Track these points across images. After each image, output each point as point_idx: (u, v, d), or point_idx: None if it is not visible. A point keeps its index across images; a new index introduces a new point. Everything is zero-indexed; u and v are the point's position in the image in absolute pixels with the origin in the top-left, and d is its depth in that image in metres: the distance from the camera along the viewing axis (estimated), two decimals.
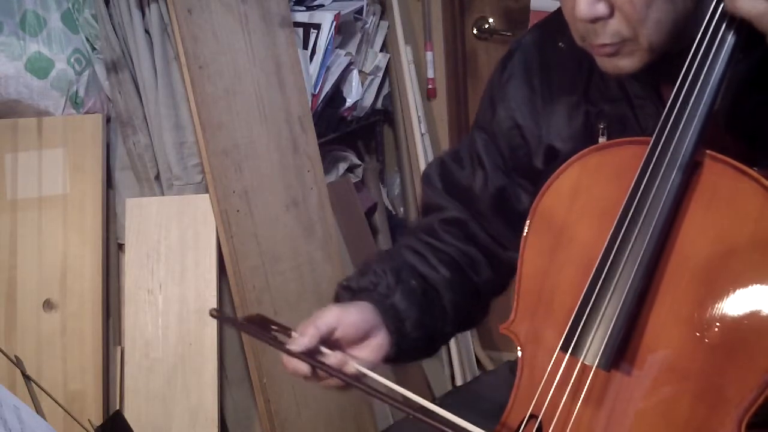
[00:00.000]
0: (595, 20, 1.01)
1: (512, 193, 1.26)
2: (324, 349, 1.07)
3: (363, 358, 1.10)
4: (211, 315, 1.08)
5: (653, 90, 1.11)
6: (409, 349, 1.18)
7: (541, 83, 1.22)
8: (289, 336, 1.08)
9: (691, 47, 0.98)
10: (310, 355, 1.06)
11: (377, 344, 1.13)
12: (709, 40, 0.97)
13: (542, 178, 1.15)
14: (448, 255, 1.26)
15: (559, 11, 1.12)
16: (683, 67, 0.98)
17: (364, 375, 1.07)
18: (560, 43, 1.18)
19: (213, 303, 1.94)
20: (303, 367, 1.06)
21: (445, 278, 1.24)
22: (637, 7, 0.98)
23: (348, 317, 1.10)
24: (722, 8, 0.95)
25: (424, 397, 1.01)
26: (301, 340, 1.06)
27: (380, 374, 1.07)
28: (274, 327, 1.11)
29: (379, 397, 1.01)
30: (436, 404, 1.00)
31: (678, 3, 0.99)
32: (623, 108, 1.14)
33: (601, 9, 1.00)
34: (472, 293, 1.27)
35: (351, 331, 1.10)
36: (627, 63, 1.04)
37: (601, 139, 1.14)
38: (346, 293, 1.21)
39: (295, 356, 1.05)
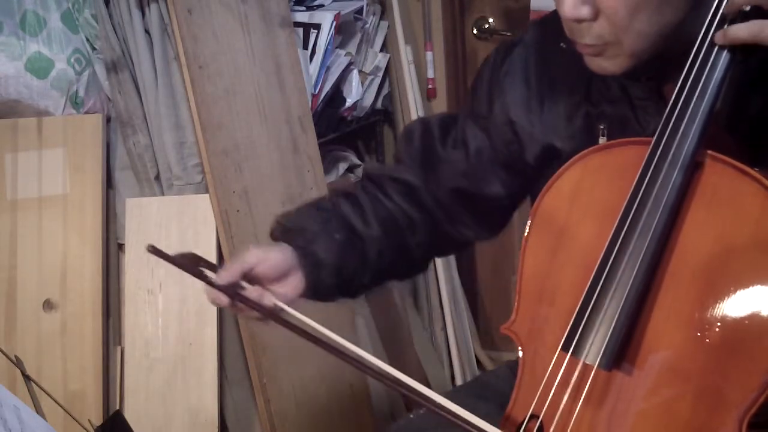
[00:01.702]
0: (580, 21, 1.02)
1: (488, 182, 1.28)
2: (245, 284, 1.18)
3: (279, 292, 1.20)
4: (148, 250, 1.17)
5: (655, 91, 1.11)
6: (324, 292, 1.27)
7: (538, 82, 1.22)
8: (215, 272, 1.19)
9: (692, 49, 0.98)
10: (232, 288, 1.17)
11: (294, 283, 1.21)
12: (709, 42, 0.97)
13: (535, 176, 1.16)
14: (388, 211, 1.31)
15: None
16: (684, 68, 0.98)
17: (282, 309, 1.18)
18: (562, 44, 1.19)
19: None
20: (223, 298, 1.16)
21: (374, 234, 1.28)
22: (620, 15, 0.99)
23: (268, 257, 1.20)
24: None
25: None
26: (223, 274, 1.17)
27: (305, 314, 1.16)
28: (203, 264, 1.21)
29: (295, 330, 1.10)
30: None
31: (667, 14, 1.00)
32: (624, 109, 1.14)
33: (585, 12, 1.01)
34: (403, 252, 1.32)
35: (270, 270, 1.19)
36: (610, 65, 1.06)
37: (602, 140, 1.14)
38: (278, 228, 1.29)
39: (217, 288, 1.16)
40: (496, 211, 1.32)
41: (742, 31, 0.94)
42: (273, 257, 1.21)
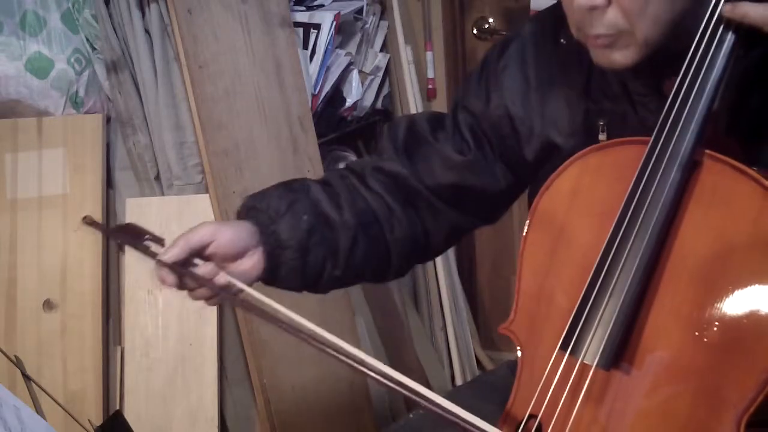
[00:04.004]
0: (592, 9, 1.00)
1: (485, 176, 1.25)
2: (196, 261, 1.10)
3: (234, 271, 1.12)
4: (84, 222, 1.11)
5: (655, 87, 1.11)
6: (286, 277, 1.19)
7: (536, 76, 1.22)
8: (162, 246, 1.11)
9: (692, 45, 0.98)
10: (180, 265, 1.08)
11: (251, 263, 1.15)
12: (708, 39, 0.97)
13: (533, 171, 1.16)
14: (366, 201, 1.25)
15: (558, 5, 1.12)
16: (684, 65, 0.98)
17: (236, 288, 1.09)
18: (561, 39, 1.18)
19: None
20: (170, 278, 1.09)
21: (347, 222, 1.22)
22: None
23: (223, 234, 1.12)
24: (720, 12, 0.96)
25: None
26: (171, 251, 1.09)
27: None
28: (147, 236, 1.13)
29: (252, 310, 1.03)
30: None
31: (677, 1, 0.99)
32: (624, 105, 1.14)
33: None
34: (379, 245, 1.26)
35: (225, 248, 1.12)
36: (620, 56, 1.03)
37: (602, 136, 1.14)
38: (243, 206, 1.23)
39: (163, 266, 1.08)
40: (495, 201, 1.30)
41: (752, 11, 0.93)
42: (228, 233, 1.13)
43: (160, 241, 1.13)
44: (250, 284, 1.13)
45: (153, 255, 1.10)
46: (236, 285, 1.10)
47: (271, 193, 1.23)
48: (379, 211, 1.26)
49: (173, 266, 1.09)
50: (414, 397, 0.94)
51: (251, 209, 1.21)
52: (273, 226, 1.18)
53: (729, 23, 0.96)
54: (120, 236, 1.14)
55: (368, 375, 0.96)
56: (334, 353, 0.97)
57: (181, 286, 1.10)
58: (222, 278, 1.10)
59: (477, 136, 1.26)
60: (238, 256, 1.14)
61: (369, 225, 1.25)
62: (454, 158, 1.26)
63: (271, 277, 1.18)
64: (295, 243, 1.18)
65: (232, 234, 1.14)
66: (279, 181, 1.27)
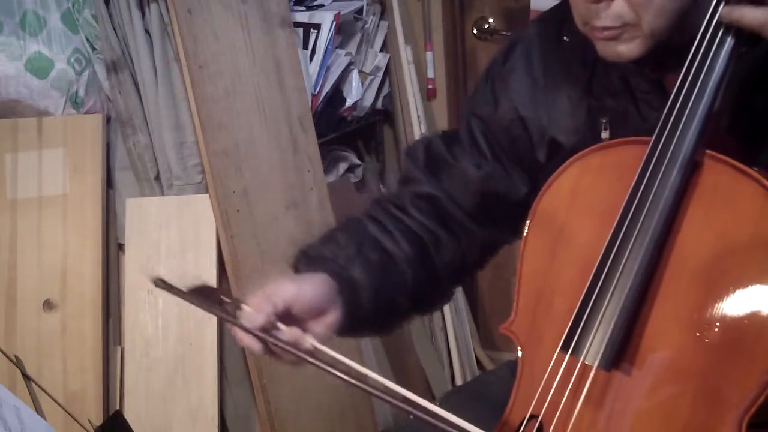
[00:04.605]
0: (599, 1, 1.00)
1: (506, 184, 1.24)
2: (279, 325, 1.04)
3: (316, 331, 1.07)
4: (155, 284, 1.03)
5: (658, 84, 1.10)
6: (363, 323, 1.16)
7: (543, 75, 1.21)
8: (240, 308, 1.05)
9: (694, 42, 0.98)
10: (265, 331, 1.02)
11: (332, 318, 1.09)
12: (709, 38, 0.97)
13: (545, 172, 1.15)
14: (413, 231, 1.24)
15: (560, 5, 1.11)
16: (686, 61, 0.98)
17: (319, 350, 1.04)
18: (564, 37, 1.18)
19: None
20: (257, 345, 1.03)
21: (407, 254, 1.21)
22: None
23: (305, 291, 1.07)
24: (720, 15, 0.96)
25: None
26: (256, 317, 1.03)
27: (339, 353, 1.04)
28: (224, 299, 1.07)
29: (335, 374, 0.99)
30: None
31: None
32: (626, 102, 1.13)
33: None
34: (432, 273, 1.24)
35: (307, 306, 1.07)
36: (626, 49, 1.03)
37: (604, 134, 1.14)
38: (303, 259, 1.19)
39: (248, 332, 1.03)
40: (520, 210, 1.23)
41: (749, 14, 0.93)
42: (309, 290, 1.08)
43: (238, 303, 1.05)
44: (331, 339, 1.08)
45: (233, 318, 1.03)
46: (319, 348, 1.04)
47: (334, 239, 1.20)
48: (427, 239, 1.24)
49: (258, 332, 1.02)
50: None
51: (319, 260, 1.17)
52: (347, 272, 1.14)
53: (729, 24, 0.96)
54: (194, 299, 1.05)
55: (438, 426, 0.94)
56: (407, 407, 0.96)
57: (267, 351, 1.04)
58: (307, 343, 1.04)
59: (491, 143, 1.25)
60: (321, 311, 1.09)
61: (423, 254, 1.23)
62: (474, 172, 1.24)
63: (348, 326, 1.13)
64: (371, 285, 1.15)
65: (313, 290, 1.08)
66: (328, 230, 1.24)
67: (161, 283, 1.03)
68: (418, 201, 1.25)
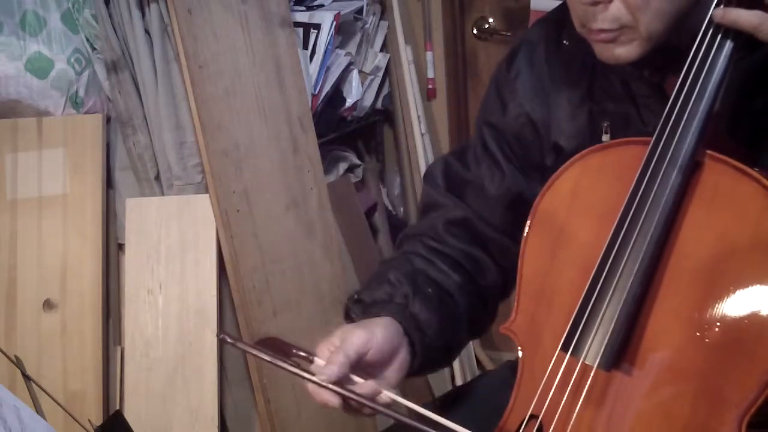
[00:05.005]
0: (596, 3, 1.00)
1: (527, 188, 1.23)
2: (353, 377, 1.00)
3: (389, 378, 1.05)
4: (222, 341, 0.98)
5: (658, 88, 1.10)
6: (430, 360, 1.13)
7: (547, 78, 1.21)
8: (311, 361, 1.01)
9: (694, 42, 0.98)
10: (339, 384, 0.98)
11: (401, 362, 1.08)
12: (709, 40, 0.97)
13: (549, 176, 1.15)
14: (455, 259, 1.23)
15: (560, 8, 1.11)
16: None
17: (396, 402, 1.00)
18: (564, 41, 1.18)
19: (213, 303, 1.94)
20: (334, 400, 0.99)
21: (458, 283, 1.20)
22: None
23: (376, 340, 1.04)
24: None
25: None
26: (330, 370, 0.98)
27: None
28: (294, 351, 1.03)
29: (410, 423, 0.94)
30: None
31: None
32: (627, 106, 1.13)
33: None
34: (481, 297, 1.24)
35: (379, 354, 1.04)
36: (624, 52, 1.03)
37: (605, 138, 1.14)
38: (357, 307, 1.16)
39: (325, 387, 0.98)
40: None
41: (742, 17, 0.93)
42: (379, 336, 1.04)
43: (309, 355, 1.02)
44: (401, 384, 1.06)
45: (306, 374, 0.99)
46: (396, 399, 1.00)
47: (387, 279, 1.17)
48: (467, 264, 1.23)
49: (334, 387, 0.98)
50: None
51: (375, 304, 1.14)
52: (408, 309, 1.12)
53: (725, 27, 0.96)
54: (263, 352, 1.00)
55: None
56: None
57: (345, 407, 1.01)
58: (385, 396, 1.00)
59: (504, 150, 1.24)
60: (391, 357, 1.07)
61: (470, 281, 1.22)
62: (492, 182, 1.24)
63: (418, 367, 1.11)
64: (434, 319, 1.13)
65: (382, 338, 1.05)
66: (378, 267, 1.22)
67: (228, 339, 1.00)
68: (451, 227, 1.24)
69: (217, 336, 1.00)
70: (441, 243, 1.24)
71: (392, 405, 0.99)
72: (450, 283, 1.20)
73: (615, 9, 1.00)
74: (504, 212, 1.24)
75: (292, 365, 1.00)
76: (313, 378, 0.98)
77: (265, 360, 0.99)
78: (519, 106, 1.22)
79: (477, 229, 1.25)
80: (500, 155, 1.24)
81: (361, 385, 1.00)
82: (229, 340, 1.01)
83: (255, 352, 0.99)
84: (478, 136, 1.28)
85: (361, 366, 1.03)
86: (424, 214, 1.29)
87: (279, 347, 1.03)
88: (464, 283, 1.21)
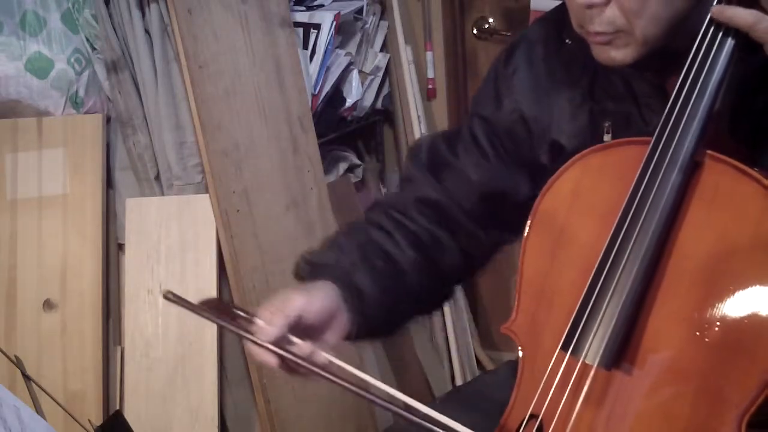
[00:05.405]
0: (591, 6, 1.01)
1: (511, 185, 1.24)
2: (292, 338, 1.04)
3: (327, 341, 1.08)
4: (166, 298, 1.02)
5: (659, 87, 1.10)
6: (369, 329, 1.15)
7: (545, 76, 1.21)
8: (253, 323, 1.04)
9: (695, 44, 0.98)
10: (278, 344, 1.02)
11: (340, 326, 1.10)
12: (709, 40, 0.97)
13: (547, 174, 1.15)
14: (416, 235, 1.23)
15: (560, 7, 1.12)
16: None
17: (333, 364, 1.04)
18: (567, 40, 1.18)
19: None
20: (272, 359, 1.03)
21: (413, 259, 1.21)
22: None
23: (314, 304, 1.07)
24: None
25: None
26: (269, 330, 1.02)
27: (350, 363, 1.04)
28: (237, 312, 1.07)
29: (346, 387, 0.98)
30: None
31: (677, 0, 0.99)
32: (628, 106, 1.13)
33: None
34: (436, 275, 1.24)
35: (318, 316, 1.07)
36: (620, 54, 1.04)
37: (606, 137, 1.14)
38: (306, 266, 1.18)
39: (263, 347, 1.02)
40: (522, 211, 1.23)
41: (739, 15, 0.94)
42: (318, 299, 1.07)
43: (250, 317, 1.05)
44: (340, 347, 1.08)
45: (246, 333, 1.03)
46: (333, 361, 1.03)
47: (338, 245, 1.20)
48: (428, 242, 1.23)
49: (272, 346, 1.02)
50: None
51: (322, 267, 1.16)
52: (351, 277, 1.14)
53: (727, 27, 0.96)
54: (206, 313, 1.04)
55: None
56: (417, 419, 0.95)
57: (283, 366, 1.04)
58: (323, 357, 1.03)
59: (494, 144, 1.24)
60: (330, 321, 1.09)
61: (426, 258, 1.22)
62: (475, 172, 1.25)
63: (356, 332, 1.13)
64: (376, 291, 1.14)
65: (321, 299, 1.08)
66: (331, 236, 1.24)
67: (172, 297, 1.03)
68: (421, 205, 1.25)
69: (163, 294, 1.04)
70: (407, 218, 1.24)
71: (329, 366, 1.02)
72: (404, 259, 1.20)
73: (610, 13, 1.01)
74: (479, 202, 1.24)
75: (233, 325, 1.04)
76: (253, 337, 1.02)
77: (209, 319, 1.03)
78: (514, 102, 1.22)
79: (448, 214, 1.25)
80: (489, 148, 1.25)
81: (299, 346, 1.03)
82: (173, 298, 1.04)
83: (199, 311, 1.03)
84: (468, 126, 1.28)
85: (300, 329, 1.05)
86: (400, 187, 1.31)
87: (222, 308, 1.07)
88: (420, 260, 1.21)
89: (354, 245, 1.19)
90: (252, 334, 1.03)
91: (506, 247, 1.31)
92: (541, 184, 1.21)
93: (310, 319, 1.06)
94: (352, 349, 2.12)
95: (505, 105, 1.23)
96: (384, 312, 1.16)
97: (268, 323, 1.02)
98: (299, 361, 1.02)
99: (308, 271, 1.18)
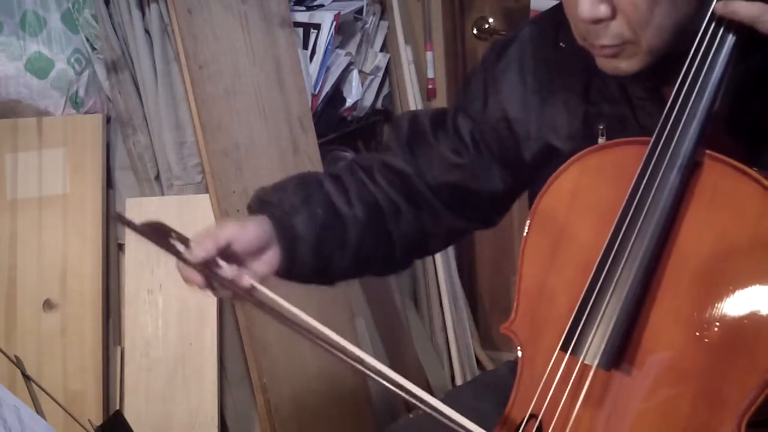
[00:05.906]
0: (597, 22, 1.01)
1: (484, 176, 1.26)
2: (220, 262, 1.12)
3: (256, 270, 1.15)
4: (117, 219, 1.14)
5: (655, 90, 1.11)
6: (300, 271, 1.21)
7: (534, 80, 1.22)
8: (187, 246, 1.12)
9: (692, 47, 0.98)
10: (206, 266, 1.10)
11: (270, 259, 1.17)
12: (708, 40, 0.97)
13: (540, 175, 1.15)
14: (373, 197, 1.26)
15: (557, 7, 1.12)
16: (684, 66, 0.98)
17: (257, 290, 1.12)
18: (561, 43, 1.18)
19: (213, 303, 1.94)
20: (198, 278, 1.11)
21: (357, 216, 1.24)
22: (640, 10, 0.98)
23: (245, 233, 1.14)
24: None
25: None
26: (198, 252, 1.10)
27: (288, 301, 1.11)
28: (173, 235, 1.14)
29: (269, 312, 1.07)
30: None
31: (681, 7, 0.99)
32: (623, 108, 1.14)
33: (603, 10, 1.00)
34: (385, 240, 1.27)
35: (247, 246, 1.14)
36: (626, 65, 1.04)
37: (601, 140, 1.14)
38: (255, 201, 1.24)
39: (191, 266, 1.10)
40: (494, 204, 1.30)
41: (742, 7, 0.93)
42: (250, 231, 1.15)
43: (185, 240, 1.14)
44: (268, 279, 1.16)
45: (178, 254, 1.12)
46: (257, 287, 1.12)
47: (285, 187, 1.24)
48: (385, 207, 1.26)
49: (199, 266, 1.11)
50: (411, 398, 0.98)
51: (265, 203, 1.22)
52: (289, 220, 1.19)
53: (728, 23, 0.96)
54: (146, 233, 1.15)
55: (371, 376, 1.00)
56: (339, 353, 1.01)
57: (207, 285, 1.12)
58: (246, 281, 1.12)
59: (475, 139, 1.26)
60: (259, 252, 1.16)
61: (377, 220, 1.26)
62: (451, 160, 1.26)
63: (286, 270, 1.20)
64: (310, 237, 1.20)
65: (254, 231, 1.15)
66: (292, 175, 1.29)
67: (119, 218, 1.13)
68: (387, 172, 1.28)
69: (114, 217, 1.11)
70: (370, 178, 1.28)
71: (252, 290, 1.12)
72: (348, 213, 1.24)
73: (617, 26, 1.01)
74: (450, 186, 1.27)
75: (167, 246, 1.13)
76: (183, 256, 1.11)
77: (146, 238, 1.13)
78: (499, 103, 1.23)
79: (414, 186, 1.27)
80: (470, 141, 1.26)
81: (225, 269, 1.12)
82: (120, 219, 1.15)
83: (140, 231, 1.13)
84: (453, 118, 1.29)
85: (230, 255, 1.13)
86: (376, 151, 1.35)
87: (161, 230, 1.16)
88: (367, 220, 1.24)
89: (301, 190, 1.23)
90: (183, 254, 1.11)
91: (499, 245, 1.33)
92: (522, 181, 1.23)
93: (240, 247, 1.13)
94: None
95: (490, 104, 1.24)
96: (316, 258, 1.21)
97: (197, 244, 1.11)
98: (223, 282, 1.10)
99: (257, 205, 1.23)
